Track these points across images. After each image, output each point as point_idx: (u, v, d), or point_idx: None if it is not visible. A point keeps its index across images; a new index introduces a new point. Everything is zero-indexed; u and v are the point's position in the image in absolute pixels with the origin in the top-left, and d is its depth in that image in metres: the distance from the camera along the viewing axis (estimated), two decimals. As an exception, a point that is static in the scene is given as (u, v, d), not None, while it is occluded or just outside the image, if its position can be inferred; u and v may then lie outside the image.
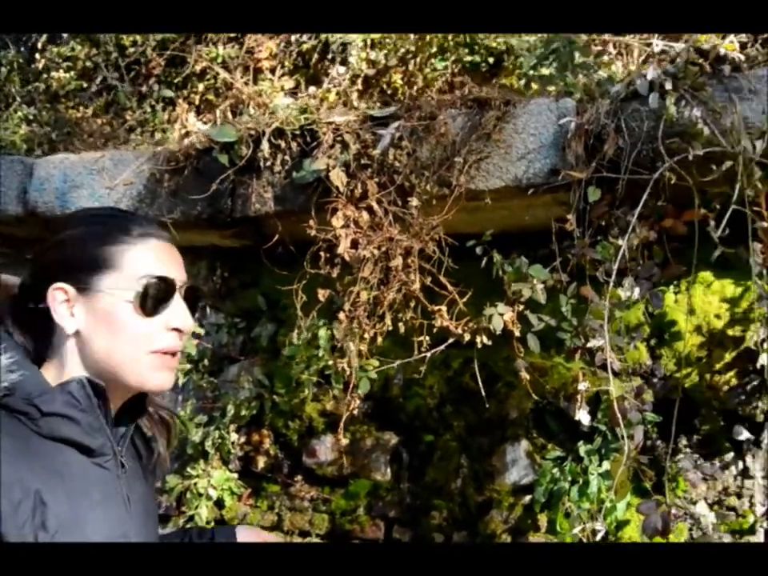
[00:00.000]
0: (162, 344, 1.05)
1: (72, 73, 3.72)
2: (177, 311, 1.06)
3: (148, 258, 1.06)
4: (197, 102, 3.41)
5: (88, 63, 3.68)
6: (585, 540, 1.77)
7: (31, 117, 3.62)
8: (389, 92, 3.10)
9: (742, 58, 1.84)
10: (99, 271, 1.04)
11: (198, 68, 3.36)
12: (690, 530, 1.93)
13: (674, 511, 1.76)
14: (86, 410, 1.01)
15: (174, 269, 1.09)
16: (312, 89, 3.10)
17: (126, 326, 1.03)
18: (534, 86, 2.41)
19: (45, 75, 3.78)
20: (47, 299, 1.03)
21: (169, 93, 3.19)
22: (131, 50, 3.49)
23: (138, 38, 3.47)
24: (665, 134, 1.79)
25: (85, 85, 3.72)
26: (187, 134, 3.08)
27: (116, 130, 3.27)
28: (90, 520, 0.99)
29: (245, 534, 1.30)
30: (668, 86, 1.73)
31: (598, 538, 1.80)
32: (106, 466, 1.04)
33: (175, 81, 3.41)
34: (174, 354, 1.07)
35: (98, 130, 3.47)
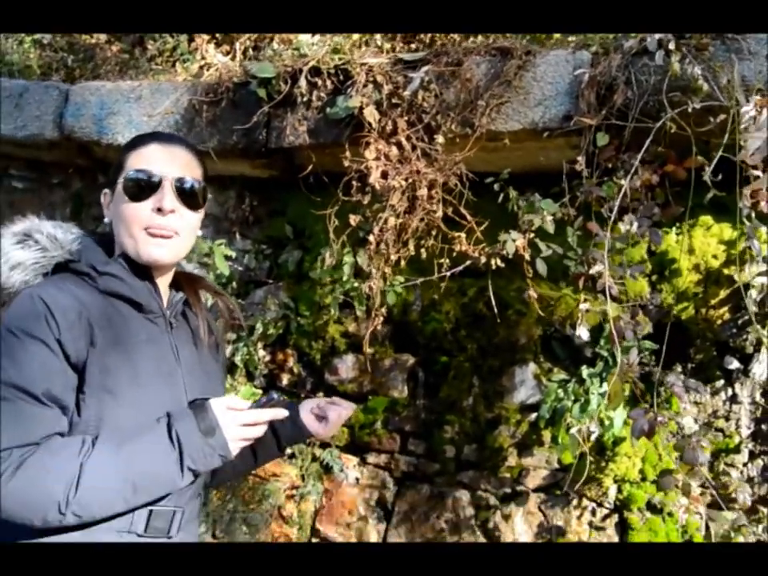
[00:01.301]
0: (148, 222, 1.52)
1: (86, -5, 4.15)
2: (159, 196, 1.53)
3: (142, 157, 1.56)
4: (216, 34, 3.87)
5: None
6: (581, 441, 2.31)
7: (45, 42, 4.06)
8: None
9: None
10: (117, 173, 1.58)
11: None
12: (674, 434, 2.47)
13: (660, 419, 2.28)
14: (131, 274, 1.53)
15: (166, 165, 1.56)
16: (335, 24, 3.56)
17: (122, 210, 1.54)
18: (557, 35, 2.90)
19: (58, -2, 4.21)
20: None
21: (194, 24, 3.64)
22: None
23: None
24: (669, 87, 2.28)
25: (100, 8, 4.16)
26: (207, 67, 3.56)
27: (136, 59, 3.72)
28: (136, 351, 1.49)
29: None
30: (671, 46, 2.22)
31: (592, 438, 2.34)
32: (155, 321, 1.56)
33: (195, 9, 3.86)
34: (167, 230, 1.53)
35: (114, 57, 3.92)
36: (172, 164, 1.57)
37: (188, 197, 1.57)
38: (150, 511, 1.47)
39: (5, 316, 1.43)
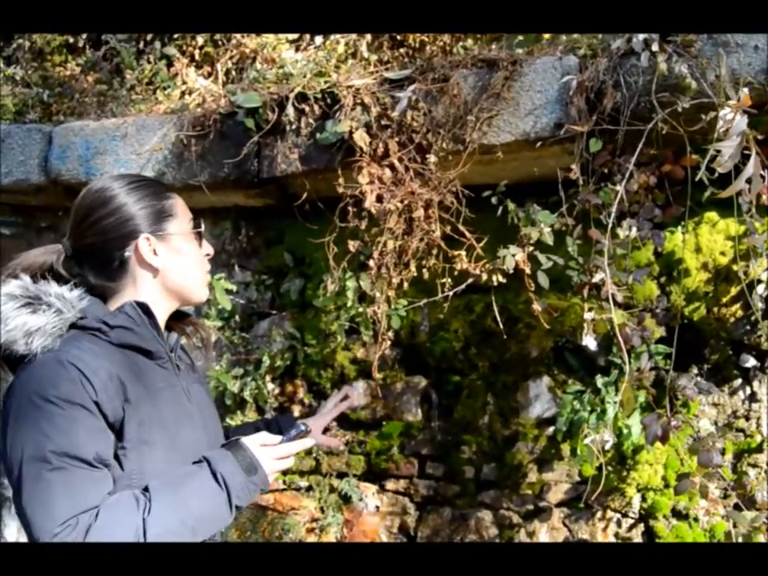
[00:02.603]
0: (207, 266, 1.94)
1: (56, 27, 4.45)
2: (205, 242, 1.93)
3: (184, 206, 1.91)
4: (196, 57, 4.18)
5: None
6: (596, 451, 2.58)
7: (18, 77, 4.37)
8: (398, 38, 3.87)
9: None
10: (167, 219, 1.84)
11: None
12: (693, 438, 2.75)
13: (674, 423, 2.56)
14: (139, 323, 1.74)
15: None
16: (318, 39, 3.85)
17: (193, 256, 1.88)
18: (546, 36, 3.20)
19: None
20: (134, 247, 1.80)
21: (172, 50, 3.95)
22: (121, 1, 4.22)
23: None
24: (658, 87, 2.53)
25: (71, 40, 4.47)
26: (189, 92, 3.86)
27: (116, 89, 4.03)
28: (159, 399, 1.74)
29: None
30: (654, 47, 2.51)
31: (607, 447, 2.61)
32: (165, 366, 1.80)
33: (172, 35, 4.16)
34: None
35: (91, 89, 4.22)
36: None
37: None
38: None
39: (29, 384, 1.61)
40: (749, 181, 2.34)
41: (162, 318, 1.87)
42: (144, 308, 1.78)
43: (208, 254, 1.94)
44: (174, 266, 1.84)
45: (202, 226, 1.93)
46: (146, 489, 1.63)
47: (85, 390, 1.59)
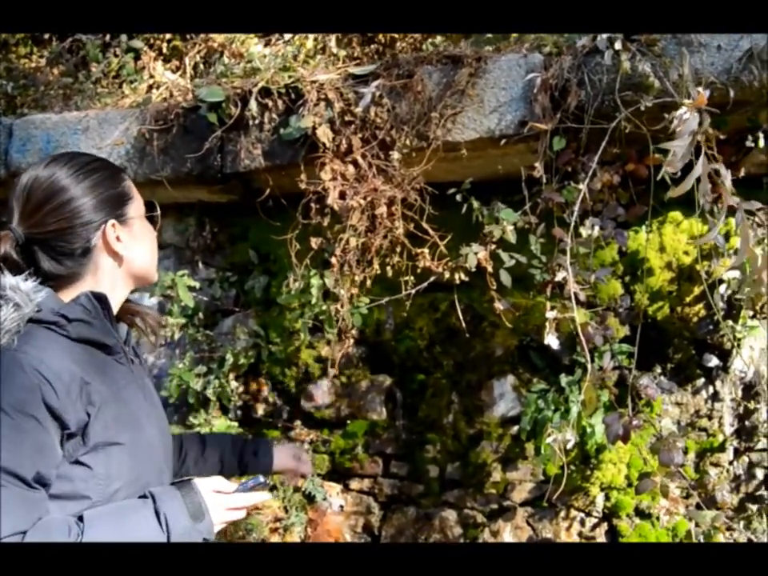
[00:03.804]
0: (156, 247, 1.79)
1: (22, 18, 4.38)
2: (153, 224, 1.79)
3: (131, 190, 1.75)
4: (164, 50, 4.11)
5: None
6: (558, 451, 2.55)
7: (-19, 69, 4.29)
8: (368, 34, 3.82)
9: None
10: (127, 203, 1.72)
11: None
12: (656, 437, 2.72)
13: (635, 422, 2.53)
14: (95, 316, 1.60)
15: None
16: (287, 35, 3.80)
17: (150, 239, 1.77)
18: (513, 35, 3.16)
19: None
20: (100, 235, 1.67)
21: (138, 44, 3.88)
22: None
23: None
24: (621, 86, 2.51)
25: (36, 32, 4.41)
26: (156, 86, 3.80)
27: (81, 83, 3.96)
28: (121, 398, 1.59)
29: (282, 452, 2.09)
30: (617, 45, 2.47)
31: (569, 446, 2.57)
32: (121, 362, 1.66)
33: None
34: None
35: (56, 81, 4.15)
36: None
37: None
38: None
39: None
40: (699, 180, 2.32)
41: (116, 309, 1.73)
42: (100, 299, 1.64)
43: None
44: (136, 250, 1.73)
45: (158, 209, 1.83)
46: (80, 518, 1.50)
47: (43, 397, 1.45)
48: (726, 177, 2.38)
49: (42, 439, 1.45)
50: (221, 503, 1.60)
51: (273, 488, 3.16)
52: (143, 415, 1.67)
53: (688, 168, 2.46)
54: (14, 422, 1.44)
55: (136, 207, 1.75)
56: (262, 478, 1.69)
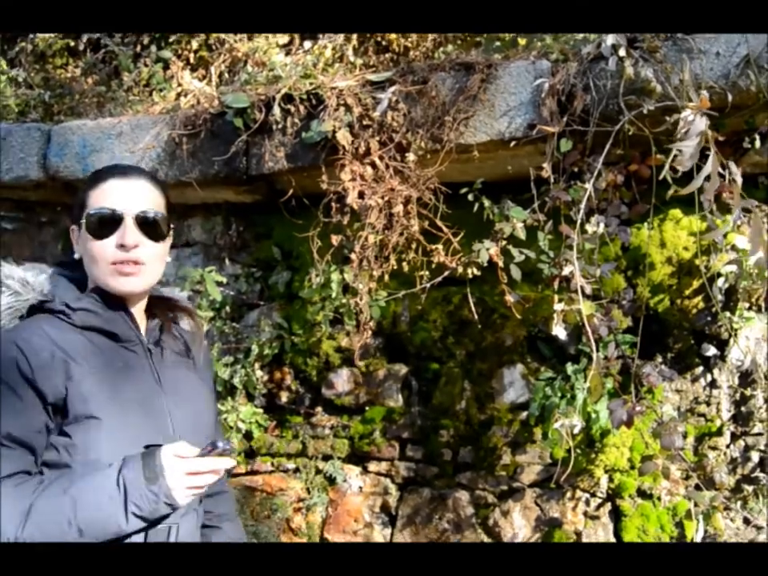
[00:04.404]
0: (113, 257, 1.70)
1: (57, 31, 4.49)
2: (121, 232, 1.70)
3: (100, 195, 1.74)
4: (191, 60, 4.22)
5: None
6: (565, 435, 2.64)
7: (20, 79, 4.41)
8: (383, 43, 3.93)
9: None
10: (80, 210, 1.75)
11: (190, 25, 4.14)
12: (657, 422, 2.81)
13: (638, 408, 2.62)
14: (105, 306, 1.72)
15: (125, 200, 1.73)
16: (307, 44, 3.90)
17: (89, 247, 1.72)
18: (521, 41, 3.26)
19: (30, 35, 4.56)
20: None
21: (167, 54, 3.99)
22: (120, 5, 4.26)
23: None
24: (625, 90, 2.59)
25: (72, 43, 4.52)
26: (184, 93, 3.91)
27: (114, 91, 4.07)
28: (112, 377, 1.67)
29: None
30: (621, 52, 2.56)
31: (576, 431, 2.67)
32: (133, 349, 1.76)
33: (168, 38, 4.21)
34: (133, 264, 1.72)
35: (90, 90, 4.27)
36: (131, 198, 1.75)
37: (150, 229, 1.76)
38: (146, 529, 1.63)
39: None
40: (708, 179, 2.40)
41: (135, 302, 1.82)
42: (103, 292, 1.76)
43: (122, 245, 1.72)
44: (85, 257, 1.77)
45: (113, 213, 1.73)
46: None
47: (19, 369, 1.59)
48: (737, 174, 2.46)
49: (14, 404, 1.58)
50: (180, 468, 1.59)
51: (296, 470, 3.28)
52: (141, 399, 1.73)
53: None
54: None
55: (86, 214, 1.75)
56: (220, 444, 1.62)
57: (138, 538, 1.62)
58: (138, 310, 1.84)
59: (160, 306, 1.92)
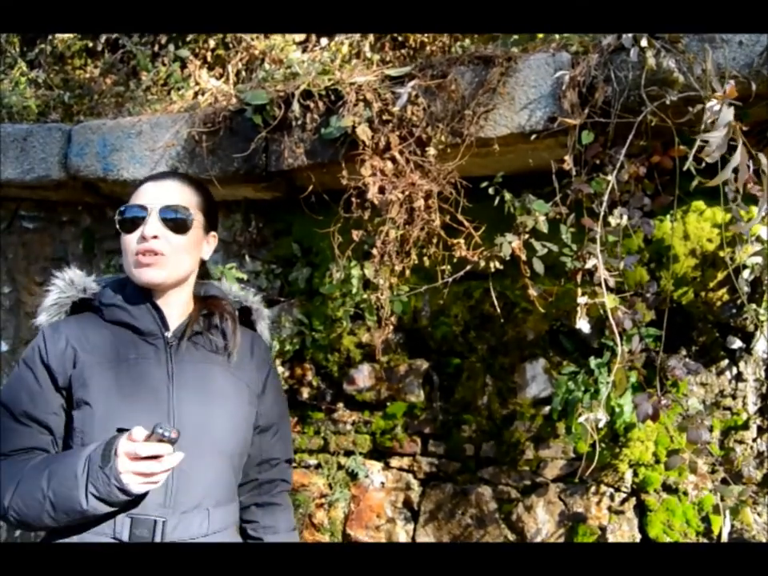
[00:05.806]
0: (136, 248, 1.79)
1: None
2: (143, 225, 1.79)
3: (134, 197, 1.86)
4: (208, 58, 4.13)
5: (91, 20, 4.37)
6: (589, 429, 2.53)
7: (40, 80, 4.32)
8: (400, 39, 3.81)
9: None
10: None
11: (206, 24, 4.05)
12: (682, 416, 2.69)
13: (664, 402, 2.50)
14: (131, 301, 1.82)
15: (154, 197, 1.83)
16: (323, 41, 3.80)
17: (122, 243, 1.84)
18: (540, 35, 3.14)
19: (49, 36, 4.48)
20: None
21: (185, 53, 3.90)
22: (137, 5, 4.17)
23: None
24: (647, 81, 2.48)
25: (90, 44, 4.44)
26: (202, 92, 3.81)
27: (132, 90, 3.98)
28: (118, 368, 1.75)
29: None
30: (643, 42, 2.44)
31: (600, 425, 2.55)
32: (153, 343, 1.82)
33: (185, 37, 4.11)
34: (153, 254, 1.79)
35: (109, 90, 4.18)
36: (159, 195, 1.84)
37: (171, 222, 1.82)
38: (131, 519, 1.66)
39: None
40: (735, 170, 2.29)
41: (164, 296, 1.87)
42: (136, 288, 1.85)
43: (143, 237, 1.79)
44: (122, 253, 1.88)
45: (140, 208, 1.83)
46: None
47: (40, 355, 1.79)
48: (765, 165, 2.35)
49: (33, 387, 1.76)
50: (126, 451, 1.59)
51: (318, 466, 3.18)
52: (144, 391, 1.75)
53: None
54: (19, 371, 1.81)
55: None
56: (160, 429, 1.55)
57: (122, 526, 1.66)
58: (172, 304, 1.88)
59: (207, 303, 1.95)
